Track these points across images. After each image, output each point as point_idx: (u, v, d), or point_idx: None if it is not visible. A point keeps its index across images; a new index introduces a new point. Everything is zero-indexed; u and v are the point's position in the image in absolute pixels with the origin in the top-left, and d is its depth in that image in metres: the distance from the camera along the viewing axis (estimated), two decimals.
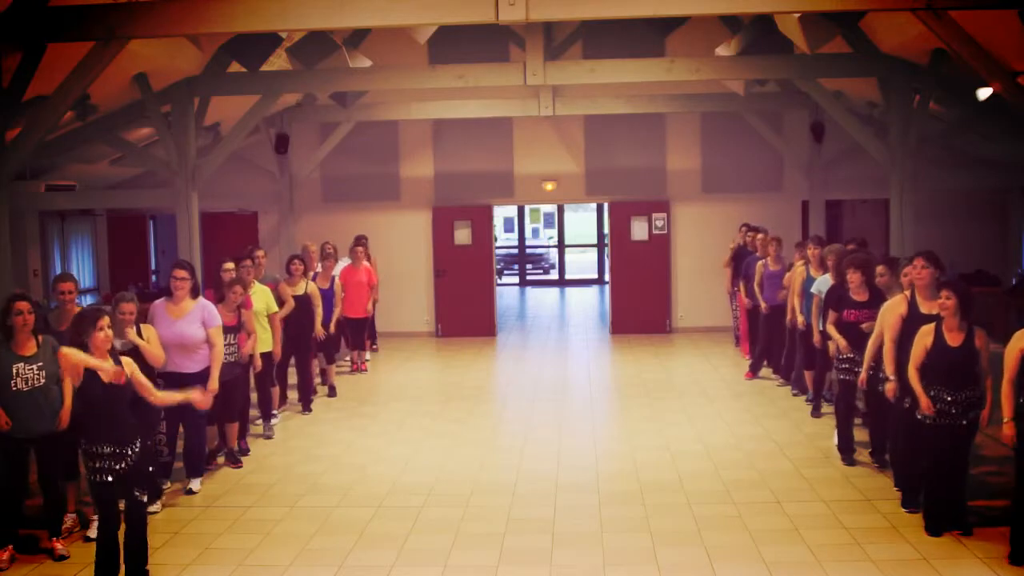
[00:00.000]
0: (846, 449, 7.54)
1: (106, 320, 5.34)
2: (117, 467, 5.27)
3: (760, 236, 11.04)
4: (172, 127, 9.90)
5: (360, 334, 11.90)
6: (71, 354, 5.13)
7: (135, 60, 8.62)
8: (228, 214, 14.61)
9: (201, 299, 7.22)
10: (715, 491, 6.98)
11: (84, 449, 5.31)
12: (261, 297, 8.50)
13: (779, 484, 7.07)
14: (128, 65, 8.72)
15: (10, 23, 6.74)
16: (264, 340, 8.52)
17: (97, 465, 5.25)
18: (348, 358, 12.27)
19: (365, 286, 11.56)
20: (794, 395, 9.91)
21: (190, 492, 7.11)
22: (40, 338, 5.87)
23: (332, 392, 10.61)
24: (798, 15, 8.39)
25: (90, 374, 5.18)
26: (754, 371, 10.99)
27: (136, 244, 15.02)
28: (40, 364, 5.79)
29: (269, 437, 8.75)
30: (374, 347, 13.43)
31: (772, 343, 10.61)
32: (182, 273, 7.09)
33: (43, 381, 5.79)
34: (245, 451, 8.22)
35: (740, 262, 11.72)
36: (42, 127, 7.44)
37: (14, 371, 5.70)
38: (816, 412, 9.06)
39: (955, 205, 13.30)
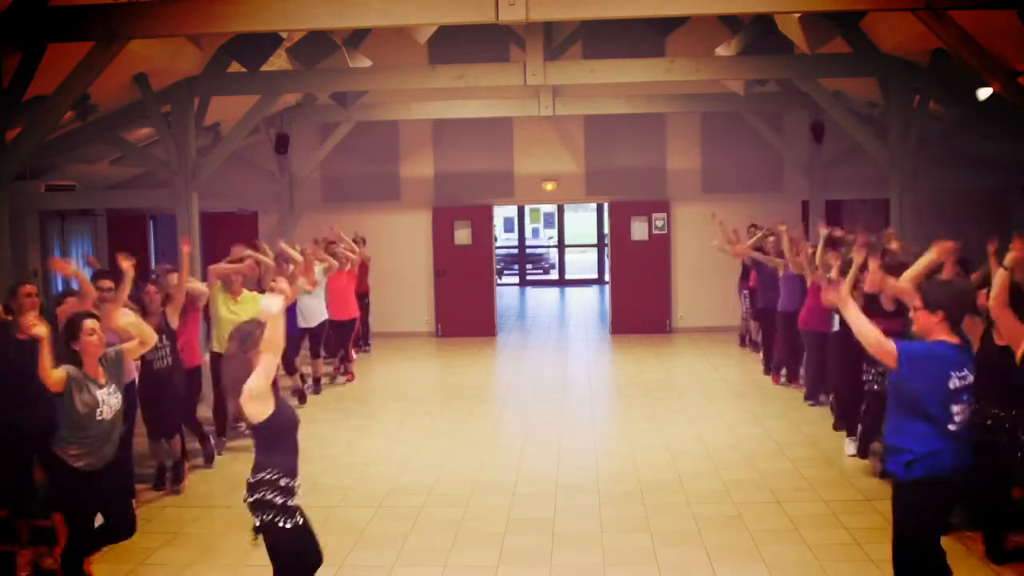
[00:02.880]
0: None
1: (92, 323, 4.95)
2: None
3: (771, 238, 10.62)
4: (172, 127, 9.90)
5: (344, 338, 11.30)
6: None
7: (135, 60, 8.61)
8: (228, 214, 14.60)
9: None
10: (715, 491, 6.98)
11: (284, 487, 4.26)
12: (252, 306, 8.24)
13: (779, 484, 7.08)
14: (128, 65, 8.71)
15: (10, 23, 6.74)
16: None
17: (292, 504, 4.30)
18: (331, 365, 11.61)
19: (349, 289, 11.19)
20: (810, 406, 9.46)
21: None
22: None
23: (316, 388, 10.63)
24: (798, 15, 8.39)
25: (280, 401, 4.36)
26: (777, 371, 10.54)
27: (136, 244, 15.00)
28: (114, 387, 5.15)
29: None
30: (366, 348, 13.36)
31: (788, 347, 10.21)
32: (107, 284, 6.59)
33: (119, 406, 5.18)
34: (210, 453, 7.92)
35: (750, 265, 11.65)
36: (42, 127, 7.44)
37: (99, 399, 5.01)
38: (840, 425, 8.42)
39: (955, 205, 13.30)
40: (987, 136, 10.69)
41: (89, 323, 5.01)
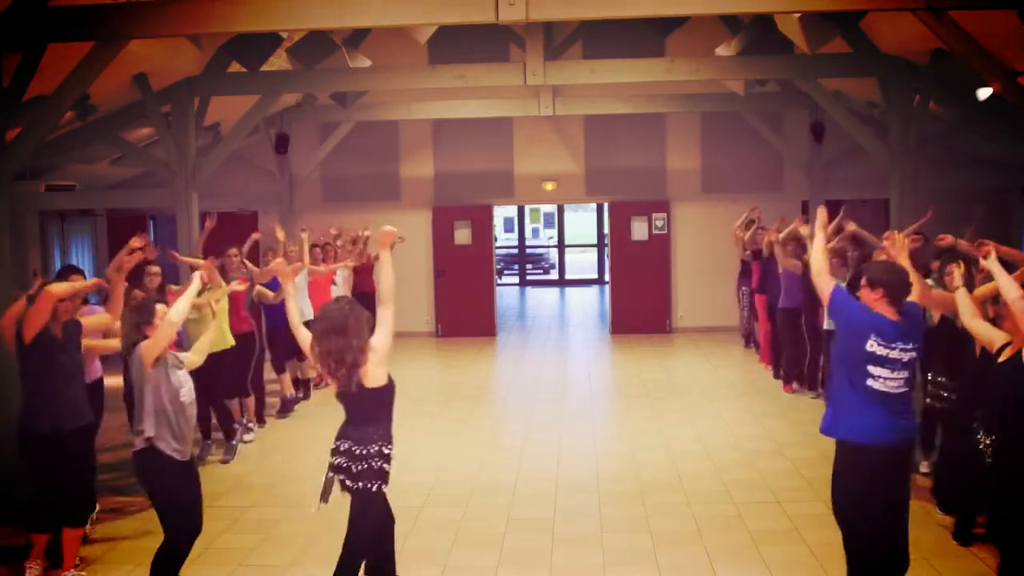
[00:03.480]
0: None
1: (164, 308, 4.93)
2: None
3: (777, 237, 10.15)
4: (172, 127, 9.89)
5: None
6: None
7: (135, 60, 8.61)
8: (228, 214, 14.56)
9: (85, 306, 6.58)
10: (715, 491, 6.98)
11: (389, 455, 4.77)
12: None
13: (779, 484, 7.07)
14: (128, 65, 8.71)
15: (10, 23, 6.73)
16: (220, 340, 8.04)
17: (388, 469, 4.71)
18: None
19: (327, 287, 10.86)
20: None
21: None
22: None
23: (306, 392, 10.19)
24: (798, 15, 8.39)
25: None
26: (789, 382, 10.20)
27: None
28: (185, 371, 5.08)
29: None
30: None
31: (794, 348, 10.01)
32: (77, 277, 6.32)
33: (193, 394, 5.07)
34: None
35: (753, 264, 11.56)
36: (42, 127, 7.43)
37: (181, 380, 4.97)
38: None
39: (955, 205, 13.28)
40: (987, 136, 10.69)
41: (161, 308, 4.96)
